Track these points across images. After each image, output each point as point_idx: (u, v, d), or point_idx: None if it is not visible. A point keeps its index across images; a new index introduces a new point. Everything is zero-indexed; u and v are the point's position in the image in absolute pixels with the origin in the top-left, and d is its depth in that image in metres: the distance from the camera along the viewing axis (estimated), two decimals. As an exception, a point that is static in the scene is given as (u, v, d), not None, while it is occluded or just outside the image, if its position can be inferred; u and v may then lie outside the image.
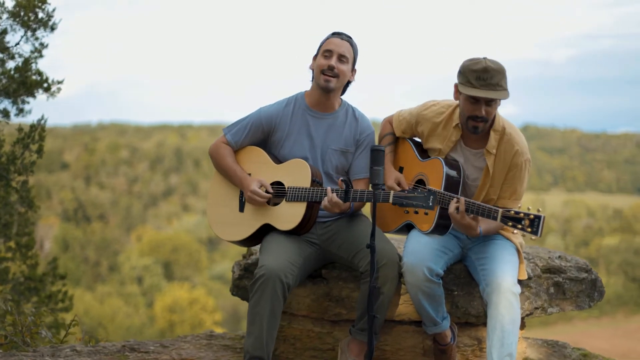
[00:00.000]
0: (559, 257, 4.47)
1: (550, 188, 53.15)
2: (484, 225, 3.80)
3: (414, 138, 4.27)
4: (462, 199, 3.71)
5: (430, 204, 3.54)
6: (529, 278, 4.21)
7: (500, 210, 3.61)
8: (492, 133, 3.92)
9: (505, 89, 3.79)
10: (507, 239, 4.02)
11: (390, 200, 3.66)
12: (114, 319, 29.81)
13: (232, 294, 4.58)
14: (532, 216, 3.52)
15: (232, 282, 4.57)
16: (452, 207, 3.72)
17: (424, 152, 4.17)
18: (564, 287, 4.31)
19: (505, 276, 3.78)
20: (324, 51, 4.03)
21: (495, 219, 3.62)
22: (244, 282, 4.42)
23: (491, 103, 3.80)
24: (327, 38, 4.08)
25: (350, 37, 4.09)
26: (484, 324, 4.28)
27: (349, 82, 4.14)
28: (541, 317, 4.43)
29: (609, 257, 38.42)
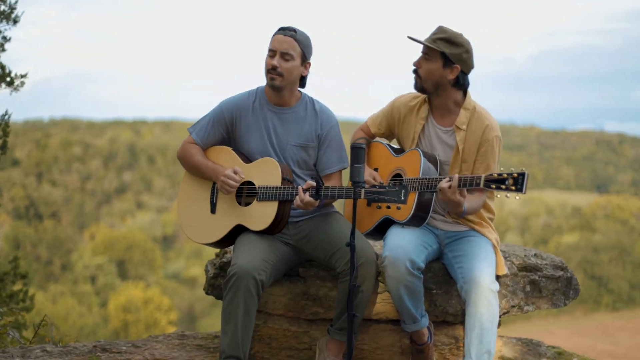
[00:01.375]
0: (535, 255, 4.49)
1: (508, 185, 53.52)
2: (467, 203, 3.82)
3: (389, 143, 4.30)
4: (456, 175, 3.74)
5: (403, 198, 3.52)
6: (506, 276, 4.22)
7: (483, 175, 3.67)
8: (462, 110, 3.98)
9: (439, 48, 3.88)
10: (483, 235, 4.04)
11: (362, 196, 3.63)
12: (67, 319, 29.38)
13: (207, 293, 4.51)
14: (515, 174, 3.58)
15: (206, 282, 4.50)
16: (444, 183, 3.73)
17: (398, 151, 4.20)
18: (540, 285, 4.33)
19: (483, 274, 3.79)
20: (269, 50, 3.98)
21: (478, 184, 3.66)
22: (219, 281, 4.36)
23: (427, 56, 3.93)
24: (273, 35, 4.00)
25: (295, 31, 3.97)
26: (461, 323, 4.29)
27: (303, 77, 4.06)
28: (513, 316, 4.45)
29: (567, 255, 38.90)
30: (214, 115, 4.09)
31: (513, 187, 3.57)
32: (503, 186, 3.59)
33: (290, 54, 3.94)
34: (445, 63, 3.92)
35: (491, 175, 3.64)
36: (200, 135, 4.10)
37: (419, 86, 4.01)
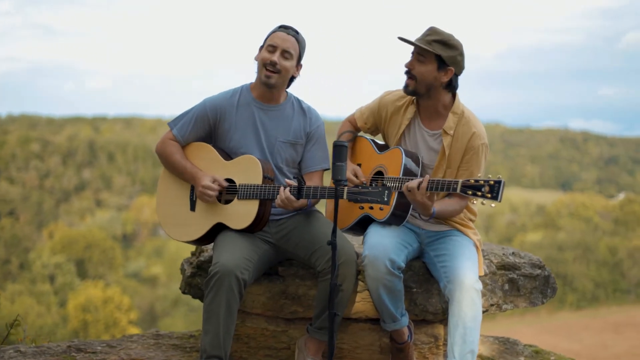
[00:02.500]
0: (513, 253, 4.52)
1: (473, 183, 53.95)
2: (438, 206, 3.81)
3: (374, 138, 4.28)
4: (427, 176, 3.72)
5: (386, 199, 3.50)
6: (485, 275, 4.24)
7: (460, 180, 3.64)
8: (450, 115, 3.95)
9: (434, 51, 3.82)
10: (465, 235, 4.04)
11: (345, 197, 3.61)
12: (25, 319, 28.84)
13: (183, 292, 4.46)
14: (492, 182, 3.56)
15: (182, 280, 4.45)
16: (414, 182, 3.71)
17: (382, 147, 4.18)
18: (518, 284, 4.35)
19: (468, 273, 3.79)
20: (269, 45, 3.94)
21: (455, 190, 3.63)
22: (197, 280, 4.31)
23: (421, 58, 3.87)
24: (274, 31, 3.99)
25: (298, 32, 4.00)
26: (441, 322, 4.30)
27: (293, 77, 4.08)
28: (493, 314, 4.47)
29: (532, 253, 39.40)
30: (196, 113, 4.04)
31: (489, 195, 3.55)
32: (479, 193, 3.57)
33: (290, 53, 3.94)
34: (439, 66, 3.87)
35: (468, 181, 3.61)
36: (181, 131, 4.05)
37: (411, 89, 3.94)
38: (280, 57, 3.92)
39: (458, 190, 3.62)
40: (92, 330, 31.26)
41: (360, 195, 3.52)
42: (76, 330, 31.17)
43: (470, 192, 3.60)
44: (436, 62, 3.87)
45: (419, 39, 3.90)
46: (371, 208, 4.00)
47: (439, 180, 3.69)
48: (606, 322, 36.89)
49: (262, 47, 4.00)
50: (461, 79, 4.01)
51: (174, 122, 4.07)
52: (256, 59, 4.01)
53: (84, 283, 36.45)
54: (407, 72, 3.94)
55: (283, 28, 3.98)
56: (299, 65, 4.04)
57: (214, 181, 3.93)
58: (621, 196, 56.05)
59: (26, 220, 46.21)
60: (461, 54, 3.91)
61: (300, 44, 4.00)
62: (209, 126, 4.04)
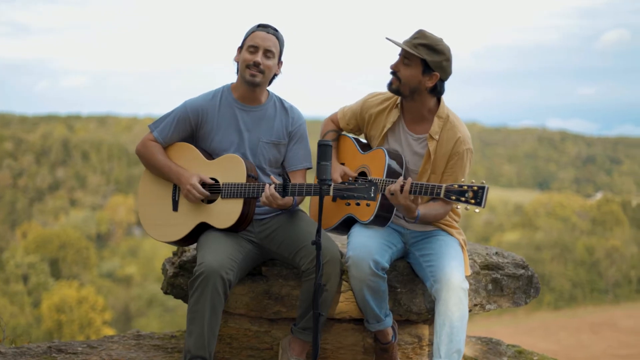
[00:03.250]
0: (496, 253, 4.52)
1: (449, 182, 54.17)
2: (422, 209, 3.80)
3: (357, 137, 4.26)
4: (409, 179, 3.70)
5: (372, 194, 3.49)
6: (469, 274, 4.24)
7: (444, 185, 3.63)
8: (435, 119, 3.93)
9: (420, 55, 3.79)
10: (450, 234, 4.04)
11: (331, 193, 3.59)
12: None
13: (165, 293, 4.41)
14: (475, 187, 3.56)
15: (164, 280, 4.41)
16: (396, 186, 3.69)
17: (365, 146, 4.17)
18: (501, 284, 4.36)
19: (454, 272, 3.79)
20: (249, 46, 3.93)
21: (438, 194, 3.62)
22: (179, 280, 4.26)
23: (407, 61, 3.84)
24: (252, 31, 3.98)
25: (277, 30, 4.00)
26: (425, 322, 4.30)
27: (275, 75, 4.07)
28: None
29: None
30: (177, 115, 4.01)
31: (472, 201, 3.55)
32: (463, 198, 3.57)
33: (272, 52, 3.94)
34: (424, 70, 3.84)
35: (452, 186, 3.61)
36: (162, 133, 4.02)
37: (395, 88, 3.92)
38: (263, 56, 3.91)
39: (442, 195, 3.61)
40: (67, 331, 31.02)
41: (347, 192, 3.51)
42: (50, 331, 30.91)
43: (453, 198, 3.59)
44: (421, 66, 3.84)
45: (406, 42, 3.87)
46: (358, 204, 3.97)
47: (423, 184, 3.67)
48: (583, 322, 37.19)
49: (241, 47, 3.99)
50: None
51: (155, 125, 4.04)
52: (236, 60, 4.01)
53: (58, 283, 36.19)
54: (392, 73, 3.93)
55: (262, 27, 3.97)
56: (279, 62, 4.03)
57: (200, 181, 3.90)
58: (598, 196, 56.59)
59: (-1, 220, 45.81)
60: (447, 60, 3.87)
61: (280, 41, 4.00)
62: (190, 128, 4.02)
